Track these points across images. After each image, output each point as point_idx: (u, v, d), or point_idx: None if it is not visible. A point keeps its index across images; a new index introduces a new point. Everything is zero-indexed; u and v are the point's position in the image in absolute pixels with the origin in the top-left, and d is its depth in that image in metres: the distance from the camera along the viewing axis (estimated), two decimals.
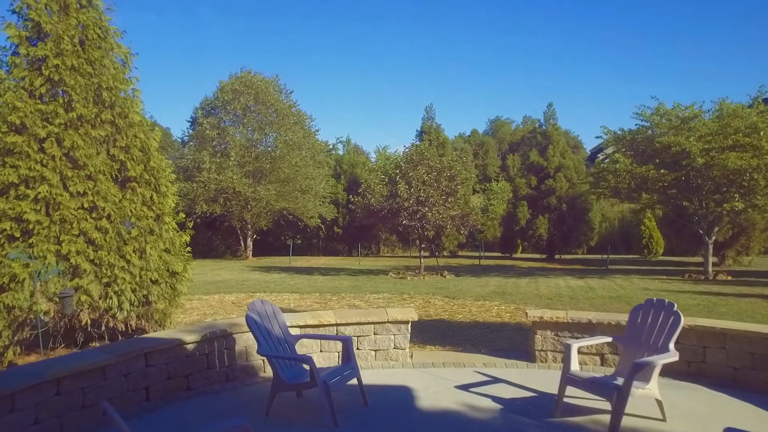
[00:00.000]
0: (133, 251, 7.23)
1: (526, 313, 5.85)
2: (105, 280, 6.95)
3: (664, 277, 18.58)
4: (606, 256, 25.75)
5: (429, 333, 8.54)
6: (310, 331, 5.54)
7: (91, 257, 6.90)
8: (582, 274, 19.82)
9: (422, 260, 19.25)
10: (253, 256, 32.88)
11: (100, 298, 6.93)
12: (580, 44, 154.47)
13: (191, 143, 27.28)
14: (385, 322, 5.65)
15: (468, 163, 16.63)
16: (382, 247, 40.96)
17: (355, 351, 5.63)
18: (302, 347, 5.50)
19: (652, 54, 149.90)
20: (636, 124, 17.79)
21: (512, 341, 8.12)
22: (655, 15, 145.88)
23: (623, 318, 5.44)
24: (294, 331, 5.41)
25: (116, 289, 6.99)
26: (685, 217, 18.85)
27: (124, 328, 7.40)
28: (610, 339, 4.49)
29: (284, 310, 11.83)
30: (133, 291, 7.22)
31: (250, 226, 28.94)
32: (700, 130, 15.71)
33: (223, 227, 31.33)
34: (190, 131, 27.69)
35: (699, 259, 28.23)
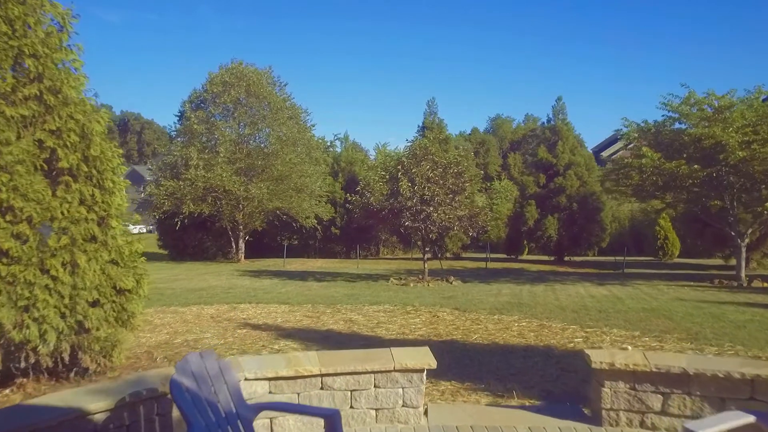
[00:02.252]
0: (62, 265, 5.58)
1: (588, 356, 4.18)
2: (21, 303, 5.29)
3: (691, 283, 16.97)
4: (622, 258, 24.15)
5: (442, 361, 6.85)
6: (283, 385, 3.89)
7: (3, 274, 5.26)
8: (600, 280, 18.20)
9: (426, 264, 17.62)
10: (246, 258, 31.22)
11: (14, 328, 5.29)
12: (581, 42, 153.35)
13: (179, 139, 25.56)
14: (390, 371, 4.00)
15: (470, 160, 15.13)
16: (381, 248, 39.32)
17: (350, 411, 3.99)
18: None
19: (652, 52, 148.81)
20: (663, 115, 16.20)
21: (546, 374, 6.51)
22: (655, 15, 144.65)
23: (733, 368, 3.79)
24: (257, 388, 3.76)
25: (36, 315, 5.34)
26: (712, 218, 17.25)
27: (52, 364, 5.77)
28: (752, 419, 2.85)
29: (269, 327, 10.20)
30: (62, 316, 5.57)
31: (242, 227, 27.25)
32: (738, 120, 14.08)
33: (215, 228, 29.61)
34: (179, 126, 26.00)
35: (719, 261, 26.66)
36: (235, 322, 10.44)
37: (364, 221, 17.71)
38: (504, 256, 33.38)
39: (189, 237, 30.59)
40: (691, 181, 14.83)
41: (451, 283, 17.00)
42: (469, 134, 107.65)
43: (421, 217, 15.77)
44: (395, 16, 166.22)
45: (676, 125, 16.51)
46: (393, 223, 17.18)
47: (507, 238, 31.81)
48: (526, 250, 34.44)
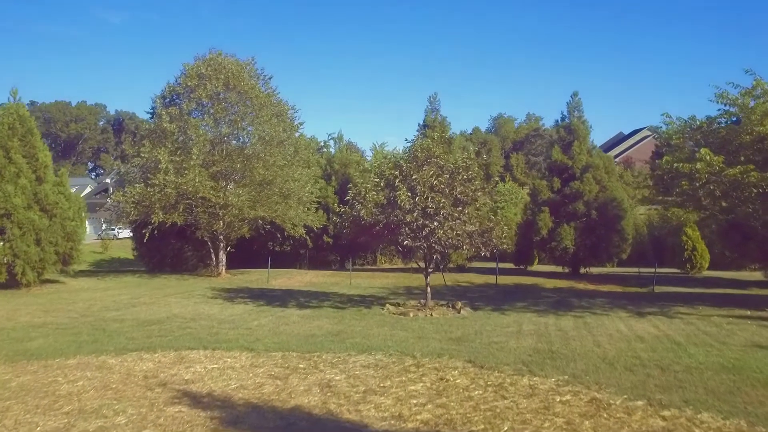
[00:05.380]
0: None
1: None
2: None
3: (748, 312, 14.09)
4: (649, 271, 21.38)
5: None
6: None
7: None
8: (634, 306, 15.40)
9: (428, 287, 14.83)
10: (231, 267, 28.43)
11: None
12: (584, 40, 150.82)
13: (149, 138, 22.56)
14: None
15: (480, 164, 12.59)
16: (379, 257, 36.55)
17: None
18: None
19: (654, 52, 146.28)
20: (719, 109, 13.42)
21: None
22: (658, 13, 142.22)
23: None
24: None
25: None
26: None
27: None
28: None
29: (214, 402, 7.25)
30: None
31: (222, 237, 24.39)
32: None
33: (195, 236, 26.83)
34: (151, 124, 23.06)
35: (756, 275, 24.01)
36: (171, 388, 7.62)
37: (355, 237, 14.94)
38: (512, 266, 30.57)
39: (166, 246, 27.83)
40: (757, 191, 12.01)
41: (459, 311, 14.20)
42: (471, 134, 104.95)
43: (423, 233, 12.97)
44: (392, 17, 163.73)
45: (735, 120, 13.70)
46: (389, 240, 14.41)
47: (517, 247, 28.94)
48: (537, 259, 31.70)
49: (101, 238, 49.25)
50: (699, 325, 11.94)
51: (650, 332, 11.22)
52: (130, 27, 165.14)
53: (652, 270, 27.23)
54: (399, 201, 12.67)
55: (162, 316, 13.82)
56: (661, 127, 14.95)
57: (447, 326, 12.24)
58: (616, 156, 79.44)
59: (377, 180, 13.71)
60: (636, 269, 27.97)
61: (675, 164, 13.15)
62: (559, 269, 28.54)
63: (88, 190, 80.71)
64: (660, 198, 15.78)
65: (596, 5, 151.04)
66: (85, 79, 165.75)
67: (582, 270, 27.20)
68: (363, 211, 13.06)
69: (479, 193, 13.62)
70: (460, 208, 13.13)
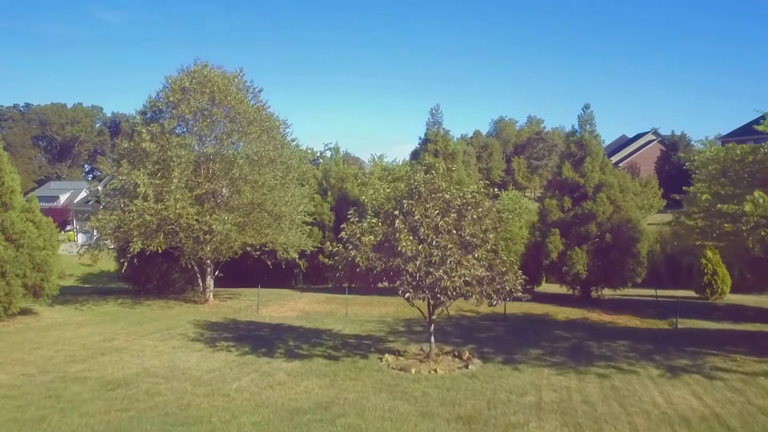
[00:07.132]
0: None
1: None
2: None
3: None
4: (669, 296, 19.70)
5: None
6: None
7: None
8: (662, 355, 13.78)
9: (432, 338, 13.22)
10: (222, 286, 26.81)
11: None
12: (585, 41, 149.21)
13: (128, 158, 20.79)
14: None
15: (489, 198, 11.05)
16: None
17: None
18: None
19: (657, 53, 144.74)
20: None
21: None
22: (661, 16, 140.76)
23: None
24: None
25: None
26: None
27: None
28: None
29: None
30: None
31: (209, 262, 22.73)
32: None
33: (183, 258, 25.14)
34: (130, 143, 21.24)
35: None
36: None
37: (350, 280, 13.34)
38: None
39: (152, 268, 26.13)
40: None
41: (467, 365, 12.60)
42: (471, 137, 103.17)
43: (427, 282, 11.33)
44: (394, 16, 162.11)
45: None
46: (387, 282, 12.78)
47: (524, 269, 27.23)
48: (544, 278, 30.04)
49: (91, 250, 47.35)
50: (749, 395, 10.28)
51: (694, 408, 9.57)
52: (129, 27, 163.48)
53: (669, 294, 25.55)
54: (400, 247, 11.04)
55: (131, 373, 12.16)
56: (692, 158, 13.30)
57: (454, 391, 10.62)
58: (621, 161, 77.70)
59: (374, 221, 12.08)
60: (651, 291, 26.40)
61: (718, 205, 11.48)
62: (569, 292, 26.83)
63: (83, 194, 79.21)
64: (699, 243, 14.14)
65: (596, 7, 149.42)
66: (82, 81, 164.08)
67: (593, 294, 25.56)
68: (358, 258, 11.43)
69: (491, 235, 11.99)
70: (469, 256, 11.48)
